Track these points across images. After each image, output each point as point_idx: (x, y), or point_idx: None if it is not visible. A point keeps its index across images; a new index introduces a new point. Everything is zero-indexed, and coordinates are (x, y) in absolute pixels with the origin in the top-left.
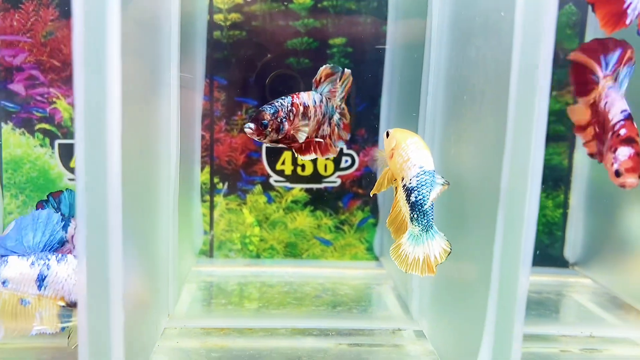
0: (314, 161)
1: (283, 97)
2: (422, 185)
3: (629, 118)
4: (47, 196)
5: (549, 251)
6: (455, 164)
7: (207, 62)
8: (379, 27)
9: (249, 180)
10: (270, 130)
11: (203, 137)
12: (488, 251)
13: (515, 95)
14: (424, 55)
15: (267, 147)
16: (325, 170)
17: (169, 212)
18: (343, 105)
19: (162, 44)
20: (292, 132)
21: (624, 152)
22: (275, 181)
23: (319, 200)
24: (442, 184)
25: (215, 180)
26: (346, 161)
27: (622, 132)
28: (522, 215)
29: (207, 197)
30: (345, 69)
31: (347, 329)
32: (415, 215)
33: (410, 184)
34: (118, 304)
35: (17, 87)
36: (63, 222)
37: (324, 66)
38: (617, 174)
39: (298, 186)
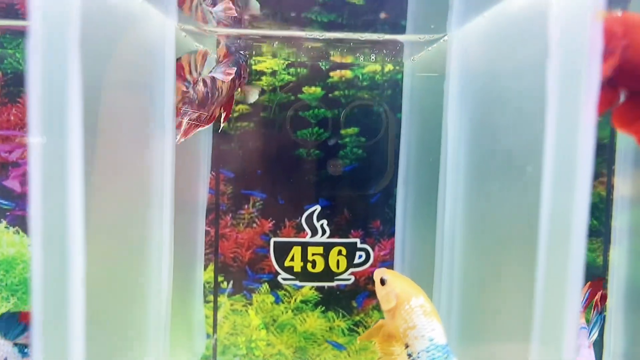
0: (326, 257)
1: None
2: None
3: None
4: None
5: None
6: (480, 307)
7: (213, 153)
8: (392, 116)
9: (255, 278)
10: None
11: (207, 232)
12: None
13: (545, 262)
14: (440, 165)
15: (274, 242)
16: (338, 266)
17: (159, 321)
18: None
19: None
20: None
21: None
22: (284, 279)
23: (331, 300)
24: None
25: (220, 279)
26: (360, 256)
27: None
28: None
29: (211, 298)
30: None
31: None
32: None
33: (418, 358)
34: None
35: (13, 183)
36: None
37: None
38: None
39: (308, 284)
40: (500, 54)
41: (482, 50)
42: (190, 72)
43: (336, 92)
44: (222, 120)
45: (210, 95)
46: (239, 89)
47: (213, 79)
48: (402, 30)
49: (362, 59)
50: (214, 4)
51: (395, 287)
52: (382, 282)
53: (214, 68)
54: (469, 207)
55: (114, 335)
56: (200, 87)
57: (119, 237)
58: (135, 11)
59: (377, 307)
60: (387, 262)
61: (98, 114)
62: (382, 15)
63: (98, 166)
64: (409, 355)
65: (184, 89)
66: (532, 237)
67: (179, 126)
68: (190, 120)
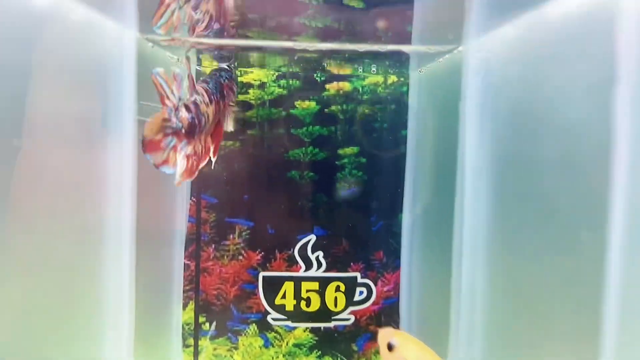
0: (322, 294)
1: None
2: None
3: None
4: None
5: None
6: None
7: None
8: (397, 133)
9: (241, 318)
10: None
11: (187, 266)
12: None
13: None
14: (455, 201)
15: (263, 277)
16: (336, 304)
17: None
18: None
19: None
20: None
21: None
22: (274, 319)
23: (328, 343)
24: None
25: (201, 319)
26: (361, 293)
27: None
28: None
29: (191, 341)
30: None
31: None
32: None
33: None
34: None
35: None
36: None
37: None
38: None
39: (302, 325)
40: (537, 72)
41: (511, 67)
42: (168, 97)
43: (333, 107)
44: (211, 153)
45: (197, 122)
46: (224, 114)
47: (195, 104)
48: (407, 38)
49: (361, 69)
50: (195, 8)
51: (407, 354)
52: (390, 347)
53: (193, 91)
54: (493, 261)
55: None
56: (184, 113)
57: (57, 276)
58: (73, 19)
59: None
60: (392, 299)
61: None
62: (385, 21)
63: (20, 191)
64: None
65: (166, 115)
66: (588, 320)
67: (166, 162)
68: (187, 154)
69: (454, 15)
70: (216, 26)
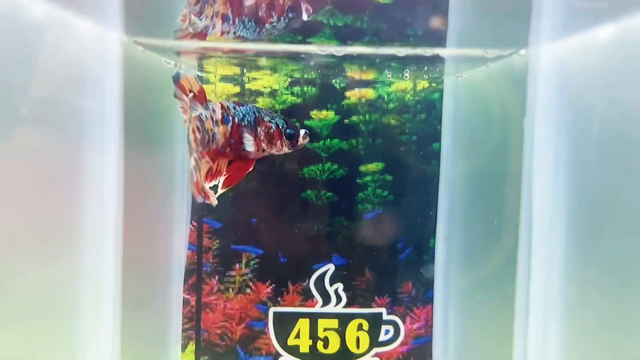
0: (342, 334)
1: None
2: None
3: None
4: None
5: None
6: None
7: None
8: (428, 147)
9: None
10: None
11: (186, 301)
12: None
13: None
14: (520, 226)
15: (274, 313)
16: (358, 346)
17: None
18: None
19: None
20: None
21: None
22: None
23: None
24: None
25: None
26: (386, 332)
27: None
28: None
29: None
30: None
31: None
32: None
33: None
34: None
35: None
36: None
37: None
38: None
39: None
40: None
41: (602, 79)
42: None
43: (354, 117)
44: (221, 182)
45: (200, 134)
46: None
47: (201, 120)
48: (441, 38)
49: (390, 74)
50: (199, 13)
51: None
52: None
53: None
54: (573, 313)
55: None
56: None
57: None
58: (32, 18)
59: None
60: (423, 339)
61: None
62: (415, 18)
63: None
64: None
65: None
66: None
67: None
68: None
69: (510, 11)
70: (238, 27)
